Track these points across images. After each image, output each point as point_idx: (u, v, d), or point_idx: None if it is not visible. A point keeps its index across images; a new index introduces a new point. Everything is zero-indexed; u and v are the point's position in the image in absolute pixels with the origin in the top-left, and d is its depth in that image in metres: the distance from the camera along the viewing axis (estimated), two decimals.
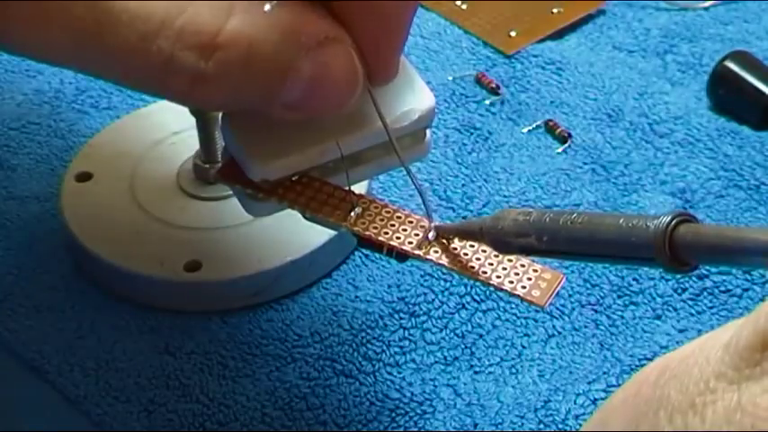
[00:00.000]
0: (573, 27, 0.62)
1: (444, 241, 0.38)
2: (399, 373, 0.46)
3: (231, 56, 0.34)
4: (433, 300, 0.48)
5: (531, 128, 0.56)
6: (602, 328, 0.48)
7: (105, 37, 0.34)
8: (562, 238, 0.33)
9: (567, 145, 0.55)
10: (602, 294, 0.49)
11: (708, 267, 0.49)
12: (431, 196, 0.52)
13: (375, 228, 0.39)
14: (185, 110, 0.49)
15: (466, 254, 0.37)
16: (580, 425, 0.44)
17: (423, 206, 0.39)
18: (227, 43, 0.34)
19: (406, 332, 0.48)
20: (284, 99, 0.36)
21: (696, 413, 0.26)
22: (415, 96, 0.40)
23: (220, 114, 0.41)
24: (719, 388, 0.26)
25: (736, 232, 0.28)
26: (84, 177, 0.52)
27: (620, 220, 0.31)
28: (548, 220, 0.34)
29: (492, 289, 0.44)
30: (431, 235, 0.38)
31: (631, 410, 0.28)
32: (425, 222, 0.38)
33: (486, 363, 0.47)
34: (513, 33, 0.61)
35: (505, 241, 0.35)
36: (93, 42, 0.34)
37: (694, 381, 0.26)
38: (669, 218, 0.30)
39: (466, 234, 0.37)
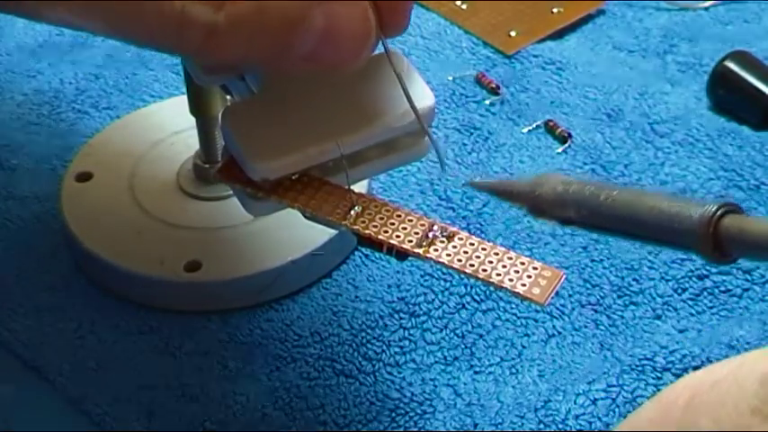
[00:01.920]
0: (573, 27, 0.62)
1: (444, 239, 0.38)
2: (399, 373, 0.46)
3: (243, 7, 0.34)
4: (433, 300, 0.48)
5: (531, 128, 0.56)
6: (602, 328, 0.48)
7: None
8: (602, 214, 0.32)
9: (567, 145, 0.55)
10: (602, 294, 0.49)
11: (708, 267, 0.49)
12: (431, 196, 0.52)
13: (375, 226, 0.39)
14: (185, 110, 0.49)
15: (466, 252, 0.37)
16: (580, 425, 0.44)
17: (423, 208, 0.38)
18: None
19: (406, 332, 0.48)
20: (298, 51, 0.36)
21: None
22: (415, 96, 0.40)
23: (220, 114, 0.41)
24: (755, 423, 0.25)
25: None
26: (84, 177, 0.52)
27: (665, 203, 0.31)
28: (588, 193, 0.33)
29: (492, 289, 0.44)
30: (431, 233, 0.38)
31: None
32: (426, 221, 0.38)
33: (486, 363, 0.47)
34: (513, 33, 0.61)
35: (542, 209, 0.34)
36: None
37: (727, 412, 0.26)
38: (715, 207, 0.29)
39: (503, 192, 0.37)
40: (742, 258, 0.30)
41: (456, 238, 0.38)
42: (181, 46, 0.35)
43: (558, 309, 0.48)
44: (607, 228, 0.33)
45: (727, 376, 0.27)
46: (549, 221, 0.35)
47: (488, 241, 0.37)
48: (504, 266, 0.37)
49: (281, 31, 0.35)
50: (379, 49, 0.40)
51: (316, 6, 0.35)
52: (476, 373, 0.46)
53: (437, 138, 0.38)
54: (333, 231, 0.46)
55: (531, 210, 0.35)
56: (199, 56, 0.37)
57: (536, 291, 0.36)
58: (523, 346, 0.47)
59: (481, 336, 0.48)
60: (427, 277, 0.49)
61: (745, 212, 0.30)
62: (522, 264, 0.37)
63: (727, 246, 0.29)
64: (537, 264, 0.37)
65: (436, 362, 0.47)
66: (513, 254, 0.37)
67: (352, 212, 0.39)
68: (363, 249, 0.49)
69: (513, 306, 0.48)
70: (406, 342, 0.47)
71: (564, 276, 0.37)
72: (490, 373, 0.46)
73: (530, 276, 0.37)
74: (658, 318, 0.48)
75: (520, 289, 0.36)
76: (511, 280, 0.37)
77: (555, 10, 0.62)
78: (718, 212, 0.29)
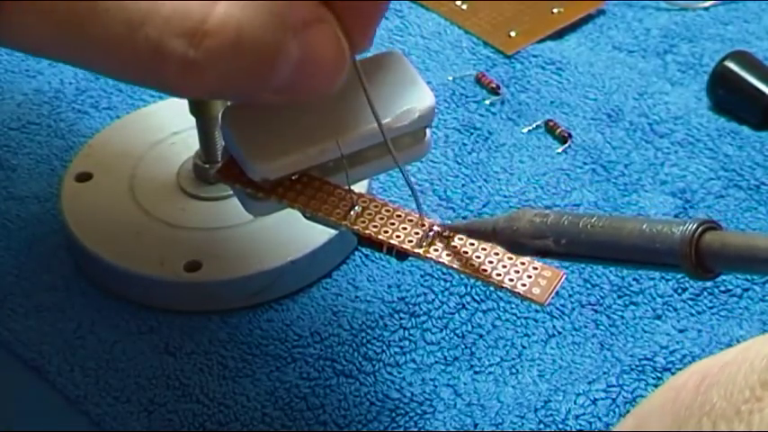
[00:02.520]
0: (573, 27, 0.62)
1: (444, 239, 0.38)
2: (399, 373, 0.46)
3: (221, 42, 0.34)
4: (433, 300, 0.48)
5: (531, 128, 0.56)
6: (602, 328, 0.48)
7: (92, 27, 0.34)
8: (582, 242, 0.33)
9: (567, 145, 0.55)
10: (602, 294, 0.49)
11: None
12: (431, 196, 0.52)
13: (375, 226, 0.39)
14: (185, 110, 0.49)
15: (466, 252, 0.37)
16: (580, 425, 0.44)
17: (422, 206, 0.39)
18: (215, 29, 0.34)
19: (406, 332, 0.48)
20: (274, 83, 0.36)
21: (742, 420, 0.26)
22: (415, 96, 0.40)
23: (220, 114, 0.41)
24: (766, 396, 0.26)
25: (765, 241, 0.28)
26: (84, 177, 0.52)
27: (643, 226, 0.31)
28: (566, 222, 0.33)
29: (492, 288, 0.44)
30: (431, 234, 0.38)
31: (670, 416, 0.28)
32: (426, 221, 0.38)
33: (486, 363, 0.47)
34: (513, 33, 0.61)
35: (521, 243, 0.35)
36: (80, 32, 0.34)
37: (739, 388, 0.26)
38: (695, 225, 0.30)
39: (477, 234, 0.37)
40: (724, 272, 0.30)
41: (456, 238, 0.38)
42: (156, 80, 0.35)
43: (558, 309, 0.48)
44: (588, 255, 0.33)
45: (735, 357, 0.28)
46: (529, 256, 0.36)
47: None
48: (504, 266, 0.37)
49: (258, 64, 0.35)
50: (380, 50, 0.41)
51: (291, 38, 0.35)
52: (476, 373, 0.46)
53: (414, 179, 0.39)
54: (333, 231, 0.46)
55: (510, 247, 0.36)
56: (174, 90, 0.37)
57: (536, 291, 0.36)
58: (523, 346, 0.47)
59: (481, 336, 0.48)
60: (427, 277, 0.49)
61: (723, 229, 0.30)
62: (522, 264, 0.37)
63: (709, 261, 0.29)
64: (537, 264, 0.37)
65: (436, 362, 0.47)
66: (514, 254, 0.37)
67: (353, 212, 0.39)
68: (363, 249, 0.49)
69: (514, 306, 0.48)
70: (406, 342, 0.47)
71: (564, 276, 0.37)
72: (490, 373, 0.46)
73: (530, 276, 0.37)
74: (658, 318, 0.48)
75: (520, 289, 0.36)
76: (511, 280, 0.37)
77: (555, 10, 0.62)
78: (699, 229, 0.30)
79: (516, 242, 0.35)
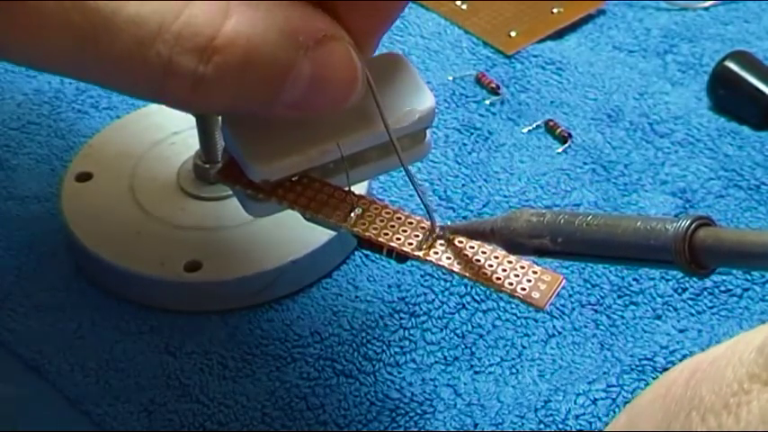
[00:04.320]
0: (573, 27, 0.62)
1: (445, 242, 0.38)
2: (399, 373, 0.46)
3: (230, 58, 0.34)
4: (434, 300, 0.48)
5: (531, 128, 0.56)
6: (602, 328, 0.48)
7: (102, 44, 0.34)
8: (578, 240, 0.33)
9: (567, 145, 0.55)
10: (602, 294, 0.49)
11: None
12: (431, 196, 0.52)
13: (375, 229, 0.39)
14: None
15: (466, 255, 0.37)
16: (580, 425, 0.44)
17: (423, 207, 0.39)
18: (225, 45, 0.34)
19: (406, 332, 0.48)
20: (285, 99, 0.36)
21: (730, 413, 0.26)
22: (415, 97, 0.40)
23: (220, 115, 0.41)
24: (754, 389, 0.26)
25: (759, 237, 0.28)
26: (84, 177, 0.52)
27: (638, 223, 0.31)
28: (562, 221, 0.33)
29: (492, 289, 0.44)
30: (434, 236, 0.38)
31: (661, 411, 0.28)
32: (426, 224, 0.38)
33: (487, 363, 0.47)
34: (513, 33, 0.61)
35: (518, 242, 0.35)
36: (89, 49, 0.34)
37: (727, 382, 0.26)
38: (688, 221, 0.30)
39: (476, 234, 0.37)
40: (719, 268, 0.31)
41: (456, 241, 0.38)
42: (166, 96, 0.35)
43: (558, 309, 0.48)
44: (584, 253, 0.33)
45: (725, 351, 0.28)
46: (526, 256, 0.36)
47: (489, 245, 0.37)
48: (504, 270, 0.37)
49: (269, 81, 0.35)
50: (380, 50, 0.40)
51: (303, 55, 0.35)
52: (476, 373, 0.46)
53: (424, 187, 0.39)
54: (333, 232, 0.46)
55: (507, 246, 0.36)
56: (185, 106, 0.37)
57: (536, 295, 0.36)
58: (523, 346, 0.47)
59: (481, 336, 0.48)
60: (427, 277, 0.49)
61: (717, 225, 0.30)
62: (522, 267, 0.37)
63: (702, 256, 0.30)
64: (537, 268, 0.37)
65: (436, 362, 0.47)
66: (512, 257, 0.37)
67: (353, 215, 0.39)
68: (363, 250, 0.49)
69: (514, 306, 0.48)
70: (406, 342, 0.47)
71: (564, 281, 0.37)
72: (490, 373, 0.46)
73: (530, 280, 0.37)
74: (658, 318, 0.48)
75: (519, 293, 0.36)
76: (511, 284, 0.37)
77: (555, 10, 0.62)
78: (693, 225, 0.30)
79: (514, 242, 0.35)
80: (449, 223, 0.39)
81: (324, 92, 0.36)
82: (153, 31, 0.34)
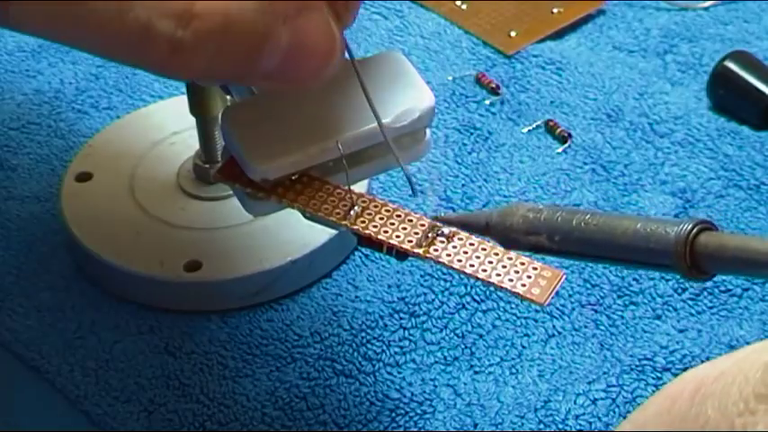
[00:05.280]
0: (573, 27, 0.62)
1: (444, 239, 0.38)
2: (399, 373, 0.46)
3: (209, 24, 0.34)
4: (433, 300, 0.48)
5: (531, 128, 0.56)
6: (602, 328, 0.48)
7: (82, 6, 0.34)
8: (575, 239, 0.32)
9: (567, 145, 0.55)
10: (602, 294, 0.49)
11: None
12: (431, 196, 0.52)
13: (375, 226, 0.39)
14: (185, 110, 0.49)
15: (465, 252, 0.37)
16: (580, 425, 0.44)
17: (423, 208, 0.39)
18: (204, 11, 0.34)
19: (406, 332, 0.48)
20: (263, 68, 0.35)
21: None
22: (415, 96, 0.40)
23: (220, 114, 0.41)
24: (760, 410, 0.26)
25: (762, 244, 0.28)
26: (84, 177, 0.52)
27: (638, 225, 0.31)
28: (560, 219, 0.33)
29: (492, 288, 0.44)
30: (430, 233, 0.38)
31: (666, 427, 0.28)
32: (425, 221, 0.38)
33: (486, 363, 0.47)
34: (513, 33, 0.61)
35: (514, 238, 0.35)
36: (69, 11, 0.34)
37: (733, 400, 0.26)
38: (690, 225, 0.29)
39: (470, 226, 0.37)
40: (718, 274, 0.30)
41: (456, 239, 0.38)
42: (144, 60, 0.35)
43: (558, 309, 0.48)
44: (581, 253, 0.33)
45: (731, 367, 0.27)
46: (522, 252, 0.36)
47: (488, 241, 0.37)
48: (503, 267, 0.37)
49: (247, 48, 0.35)
50: (380, 50, 0.40)
51: (281, 24, 0.35)
52: (476, 373, 0.46)
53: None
54: (333, 231, 0.46)
55: (502, 241, 0.35)
56: (162, 70, 0.37)
57: (536, 291, 0.36)
58: (523, 346, 0.47)
59: (481, 336, 0.48)
60: (427, 277, 0.49)
61: (718, 229, 0.30)
62: (522, 264, 0.37)
63: (703, 262, 0.29)
64: (537, 264, 0.37)
65: (436, 362, 0.47)
66: (512, 254, 0.37)
67: (352, 212, 0.39)
68: (363, 249, 0.49)
69: (513, 306, 0.48)
70: (406, 342, 0.47)
71: (564, 276, 0.37)
72: (490, 373, 0.46)
73: (530, 276, 0.37)
74: (658, 318, 0.48)
75: (520, 289, 0.36)
76: (511, 280, 0.37)
77: (555, 10, 0.62)
78: (694, 230, 0.29)
79: (509, 237, 0.35)
80: (442, 215, 0.38)
81: (301, 62, 0.36)
82: None
